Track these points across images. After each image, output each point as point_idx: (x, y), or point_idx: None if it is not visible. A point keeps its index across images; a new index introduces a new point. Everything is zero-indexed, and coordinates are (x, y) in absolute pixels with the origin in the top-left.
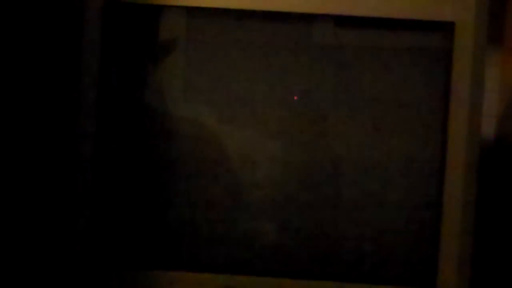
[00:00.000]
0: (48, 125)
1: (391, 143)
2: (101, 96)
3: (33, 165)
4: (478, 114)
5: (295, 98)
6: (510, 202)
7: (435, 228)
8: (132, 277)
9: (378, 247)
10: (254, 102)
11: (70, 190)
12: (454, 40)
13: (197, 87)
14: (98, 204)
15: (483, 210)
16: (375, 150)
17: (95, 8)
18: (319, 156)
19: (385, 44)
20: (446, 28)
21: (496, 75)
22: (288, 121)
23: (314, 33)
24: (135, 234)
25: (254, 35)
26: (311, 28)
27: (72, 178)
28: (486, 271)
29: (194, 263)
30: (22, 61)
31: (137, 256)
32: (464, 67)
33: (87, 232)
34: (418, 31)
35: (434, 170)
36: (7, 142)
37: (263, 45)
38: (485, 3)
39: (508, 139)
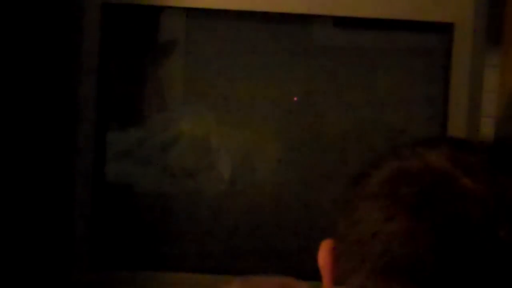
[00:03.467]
0: (48, 126)
1: (391, 143)
2: (101, 97)
3: (33, 166)
4: (477, 115)
5: (295, 99)
6: None
7: None
8: (132, 277)
9: None
10: (253, 102)
11: (70, 191)
12: (453, 40)
13: (197, 88)
14: (98, 205)
15: None
16: (375, 150)
17: (93, 10)
18: (318, 156)
19: (384, 45)
20: (445, 29)
21: (495, 75)
22: (288, 121)
23: (314, 34)
24: (134, 235)
25: (254, 36)
26: (311, 29)
27: (72, 179)
28: None
29: (193, 264)
30: (22, 63)
31: (137, 256)
32: (463, 67)
33: (87, 233)
34: (417, 32)
35: None
36: (7, 143)
37: (263, 46)
38: (483, 4)
39: (508, 139)
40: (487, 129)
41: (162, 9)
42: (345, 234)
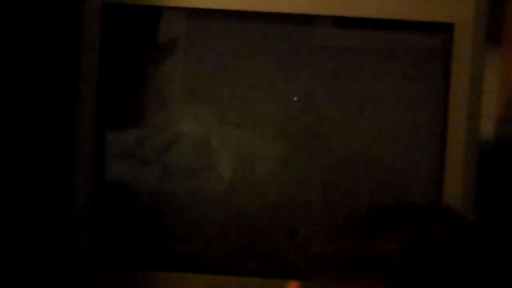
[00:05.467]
0: (48, 126)
1: (391, 144)
2: (101, 97)
3: (32, 166)
4: (477, 115)
5: (295, 99)
6: (510, 202)
7: None
8: (132, 277)
9: None
10: (254, 103)
11: (69, 191)
12: (453, 41)
13: (197, 88)
14: (97, 205)
15: (483, 210)
16: (375, 151)
17: (94, 10)
18: (319, 157)
19: (384, 45)
20: (445, 29)
21: (495, 75)
22: (288, 121)
23: (314, 34)
24: (134, 235)
25: (254, 36)
26: (311, 29)
27: (72, 179)
28: None
29: (193, 264)
30: (22, 63)
31: (137, 256)
32: (463, 67)
33: (86, 233)
34: (417, 32)
35: (433, 170)
36: (6, 143)
37: (263, 46)
38: (484, 4)
39: (508, 139)
40: (487, 129)
41: (162, 9)
42: None
